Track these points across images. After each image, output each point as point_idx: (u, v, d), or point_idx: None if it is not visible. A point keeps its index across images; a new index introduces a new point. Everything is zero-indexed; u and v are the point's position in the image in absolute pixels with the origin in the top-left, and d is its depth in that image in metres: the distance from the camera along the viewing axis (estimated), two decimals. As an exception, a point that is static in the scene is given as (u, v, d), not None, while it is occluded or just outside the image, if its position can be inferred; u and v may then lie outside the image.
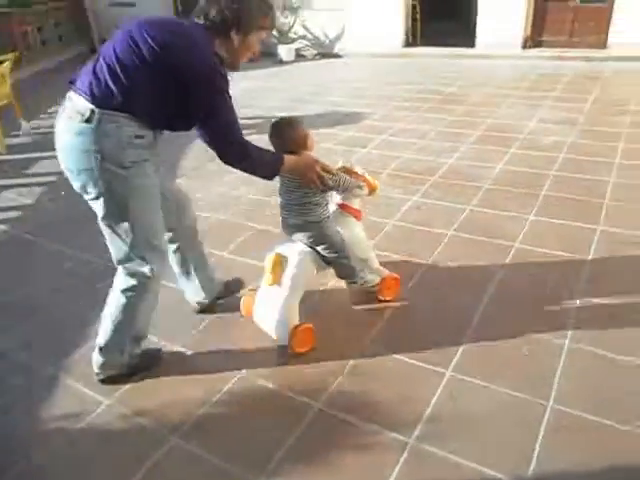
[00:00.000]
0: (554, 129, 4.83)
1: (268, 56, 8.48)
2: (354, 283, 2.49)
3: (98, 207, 1.88)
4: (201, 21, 1.88)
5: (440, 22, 9.53)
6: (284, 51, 8.99)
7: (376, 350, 2.26)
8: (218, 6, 1.86)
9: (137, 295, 2.00)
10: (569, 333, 2.26)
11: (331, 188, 2.23)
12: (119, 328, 2.03)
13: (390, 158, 4.36)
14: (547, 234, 3.08)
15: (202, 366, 2.23)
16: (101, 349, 2.06)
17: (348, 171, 2.35)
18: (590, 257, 2.83)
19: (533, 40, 8.01)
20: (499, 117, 5.29)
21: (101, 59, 1.79)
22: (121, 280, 2.00)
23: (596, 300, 2.47)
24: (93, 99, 1.74)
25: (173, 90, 1.79)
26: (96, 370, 2.10)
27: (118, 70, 1.74)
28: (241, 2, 1.87)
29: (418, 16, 9.16)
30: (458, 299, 2.56)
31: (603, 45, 7.60)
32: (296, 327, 2.21)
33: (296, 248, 2.28)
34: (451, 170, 4.08)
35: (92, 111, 1.73)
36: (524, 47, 7.97)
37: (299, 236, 2.28)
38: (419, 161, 4.28)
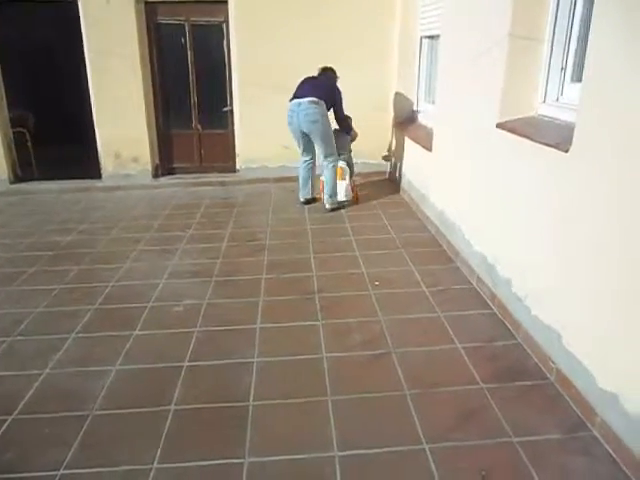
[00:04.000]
0: (188, 287, 4.06)
1: None
2: (353, 178, 6.24)
3: (319, 133, 5.59)
4: (327, 75, 5.86)
5: (63, 148, 8.19)
6: None
7: None
8: (331, 71, 5.88)
9: (333, 169, 5.80)
10: None
11: (354, 137, 6.22)
12: (331, 184, 5.83)
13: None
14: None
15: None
16: (330, 196, 5.85)
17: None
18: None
19: (164, 168, 7.52)
20: (124, 277, 4.26)
21: (306, 89, 5.60)
22: (327, 164, 5.77)
23: None
24: (316, 97, 5.50)
25: (331, 96, 5.67)
26: (327, 206, 5.86)
27: (318, 90, 5.58)
28: (335, 72, 5.93)
29: (29, 144, 7.78)
30: None
31: (233, 169, 7.60)
32: (354, 191, 6.17)
33: (342, 163, 5.96)
34: (42, 396, 2.77)
35: (318, 102, 5.50)
36: (155, 176, 7.39)
37: (344, 157, 6.02)
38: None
